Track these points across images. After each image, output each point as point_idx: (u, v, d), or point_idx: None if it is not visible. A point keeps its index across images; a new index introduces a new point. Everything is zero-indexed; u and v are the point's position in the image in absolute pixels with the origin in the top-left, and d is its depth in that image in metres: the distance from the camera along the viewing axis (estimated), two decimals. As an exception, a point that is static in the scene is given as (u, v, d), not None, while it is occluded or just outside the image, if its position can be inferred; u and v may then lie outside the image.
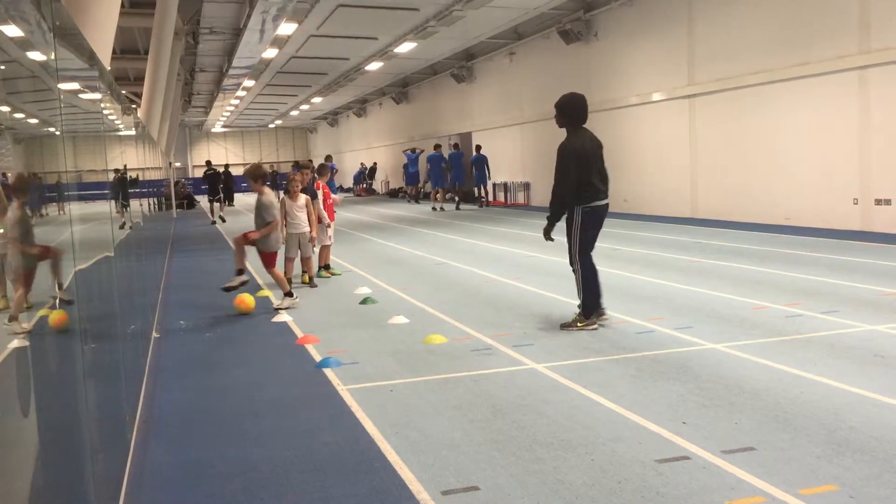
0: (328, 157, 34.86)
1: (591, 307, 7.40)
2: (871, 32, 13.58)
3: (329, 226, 11.47)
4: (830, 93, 14.53)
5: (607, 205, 7.61)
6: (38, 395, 2.43)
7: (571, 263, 7.59)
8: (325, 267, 11.74)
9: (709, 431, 4.63)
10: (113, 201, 5.59)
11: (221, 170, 27.38)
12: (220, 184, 26.06)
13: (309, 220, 10.57)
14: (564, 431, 4.74)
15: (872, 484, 3.86)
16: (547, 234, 7.65)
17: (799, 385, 5.43)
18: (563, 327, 7.39)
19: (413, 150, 32.68)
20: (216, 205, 25.89)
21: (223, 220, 24.89)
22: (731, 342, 6.66)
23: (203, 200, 34.87)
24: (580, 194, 7.40)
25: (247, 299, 9.13)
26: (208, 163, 27.86)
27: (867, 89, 13.81)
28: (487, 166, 27.55)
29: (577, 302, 7.63)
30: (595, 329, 7.29)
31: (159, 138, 20.87)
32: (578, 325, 7.32)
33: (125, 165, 5.05)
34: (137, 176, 9.75)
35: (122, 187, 5.08)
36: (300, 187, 10.65)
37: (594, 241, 7.61)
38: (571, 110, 7.77)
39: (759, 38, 16.00)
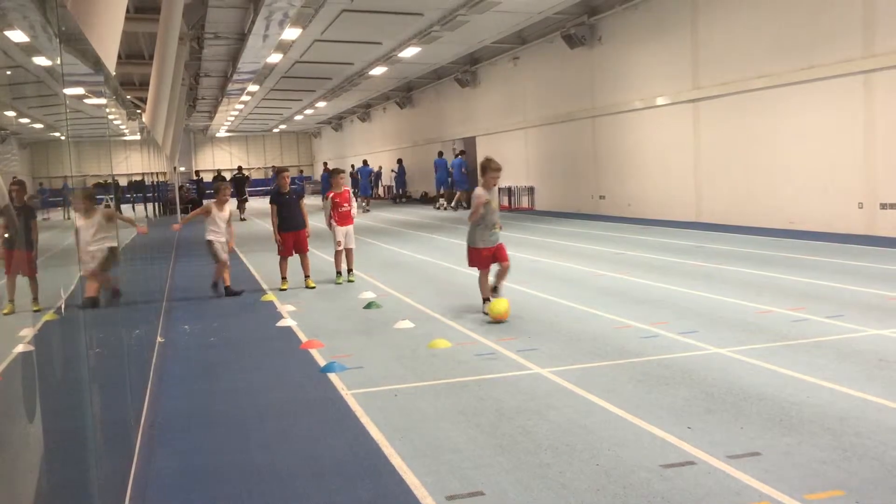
0: (364, 162, 35.90)
1: None
2: (876, 36, 13.56)
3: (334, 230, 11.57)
4: (835, 97, 14.51)
5: None
6: (43, 399, 2.43)
7: None
8: (348, 271, 11.72)
9: (714, 436, 4.62)
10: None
11: (234, 174, 32.60)
12: (246, 186, 31.19)
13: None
14: (569, 436, 4.73)
15: (879, 489, 3.85)
16: None
17: (804, 390, 5.42)
18: None
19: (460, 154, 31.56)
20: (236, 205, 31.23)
21: (244, 220, 27.93)
22: (735, 346, 6.64)
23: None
24: None
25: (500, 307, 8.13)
26: (240, 168, 33.62)
27: (872, 93, 13.79)
28: (464, 170, 29.01)
29: None
30: None
31: (164, 143, 20.92)
32: None
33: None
34: (144, 180, 9.77)
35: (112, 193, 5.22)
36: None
37: None
38: None
39: (763, 42, 15.98)
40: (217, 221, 10.77)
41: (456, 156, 30.76)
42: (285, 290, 10.97)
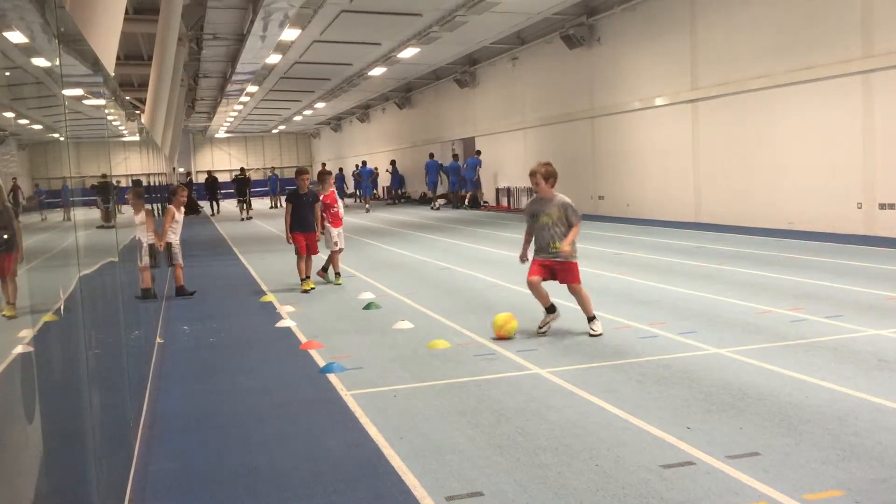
0: (364, 163, 36.23)
1: None
2: (875, 37, 13.58)
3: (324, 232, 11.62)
4: (834, 97, 14.52)
5: None
6: (42, 400, 2.43)
7: None
8: (335, 274, 11.76)
9: (713, 436, 4.62)
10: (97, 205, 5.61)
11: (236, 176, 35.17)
12: (247, 187, 32.33)
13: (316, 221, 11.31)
14: (568, 437, 4.73)
15: (878, 489, 3.85)
16: None
17: (803, 390, 5.42)
18: None
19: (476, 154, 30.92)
20: (236, 205, 32.77)
21: (249, 218, 29.43)
22: (734, 347, 6.65)
23: (228, 203, 38.90)
24: None
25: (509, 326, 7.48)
26: (242, 169, 35.19)
27: (871, 93, 13.80)
28: (443, 171, 30.65)
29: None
30: None
31: (163, 144, 20.90)
32: None
33: (102, 173, 5.21)
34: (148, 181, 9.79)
35: (104, 192, 5.29)
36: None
37: None
38: None
39: (762, 42, 16.00)
40: (174, 224, 10.97)
41: (454, 157, 30.82)
42: (308, 291, 10.89)
